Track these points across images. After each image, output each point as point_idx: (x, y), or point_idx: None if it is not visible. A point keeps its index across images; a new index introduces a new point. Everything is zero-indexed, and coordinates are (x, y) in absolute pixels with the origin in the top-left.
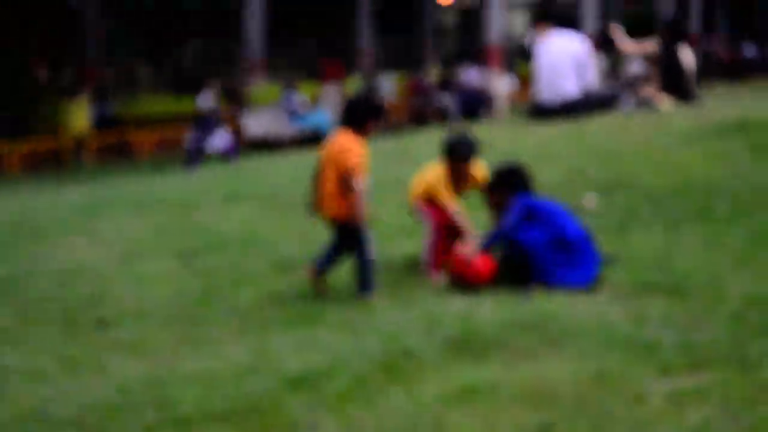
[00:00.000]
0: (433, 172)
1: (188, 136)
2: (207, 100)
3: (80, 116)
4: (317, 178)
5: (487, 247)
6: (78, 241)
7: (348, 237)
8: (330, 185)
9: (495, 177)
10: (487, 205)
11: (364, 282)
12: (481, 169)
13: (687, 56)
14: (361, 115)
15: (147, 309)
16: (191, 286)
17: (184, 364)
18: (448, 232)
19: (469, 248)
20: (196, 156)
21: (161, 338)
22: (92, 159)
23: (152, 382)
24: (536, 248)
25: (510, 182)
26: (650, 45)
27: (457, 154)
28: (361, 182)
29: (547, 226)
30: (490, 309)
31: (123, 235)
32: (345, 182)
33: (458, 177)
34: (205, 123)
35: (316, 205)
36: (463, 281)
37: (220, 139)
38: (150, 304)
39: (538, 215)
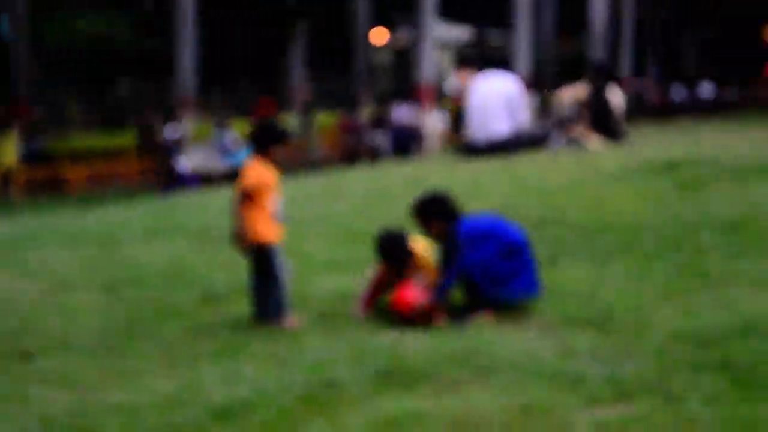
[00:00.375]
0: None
1: (162, 163)
2: (173, 130)
3: (9, 151)
4: (233, 209)
5: (442, 299)
6: (3, 273)
7: (259, 260)
8: (237, 211)
9: (423, 211)
10: (428, 236)
11: (276, 307)
12: (420, 246)
13: (616, 97)
14: (264, 141)
15: (72, 340)
16: (118, 318)
17: (109, 396)
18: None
19: (424, 300)
20: (172, 181)
21: (86, 370)
22: (21, 193)
23: (76, 413)
24: (488, 266)
25: (440, 212)
26: (581, 89)
27: (391, 258)
28: (268, 203)
29: (492, 238)
30: (418, 341)
31: (49, 267)
32: (242, 202)
33: (398, 273)
34: (170, 152)
35: (234, 236)
36: (403, 318)
37: (183, 168)
38: (75, 335)
39: (479, 234)
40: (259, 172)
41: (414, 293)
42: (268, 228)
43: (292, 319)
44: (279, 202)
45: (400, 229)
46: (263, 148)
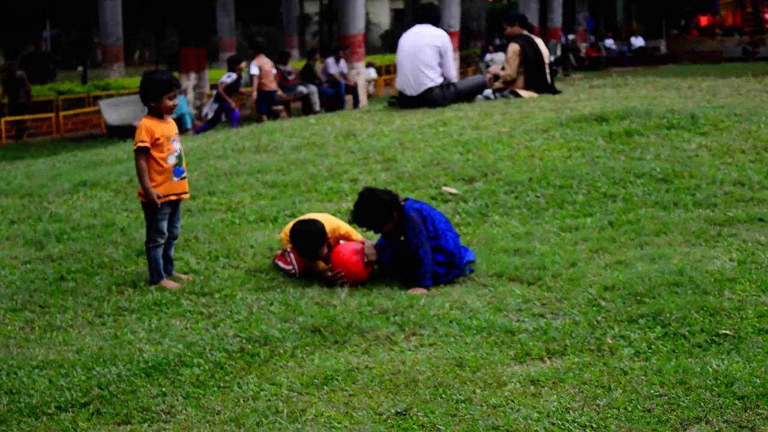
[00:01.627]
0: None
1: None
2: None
3: None
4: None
5: (430, 281)
6: None
7: (146, 216)
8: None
9: (372, 220)
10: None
11: (150, 269)
12: (337, 225)
13: (542, 49)
14: (153, 93)
15: None
16: (43, 273)
17: (35, 352)
18: None
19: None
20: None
21: (11, 325)
22: None
23: (1, 369)
24: (450, 235)
25: (385, 212)
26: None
27: (304, 253)
28: (162, 158)
29: (431, 214)
30: (348, 296)
31: None
32: (136, 158)
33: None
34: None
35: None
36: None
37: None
38: None
39: (424, 210)
40: (149, 126)
41: (348, 254)
42: (158, 183)
43: (168, 282)
44: (174, 156)
45: (313, 223)
46: (154, 99)
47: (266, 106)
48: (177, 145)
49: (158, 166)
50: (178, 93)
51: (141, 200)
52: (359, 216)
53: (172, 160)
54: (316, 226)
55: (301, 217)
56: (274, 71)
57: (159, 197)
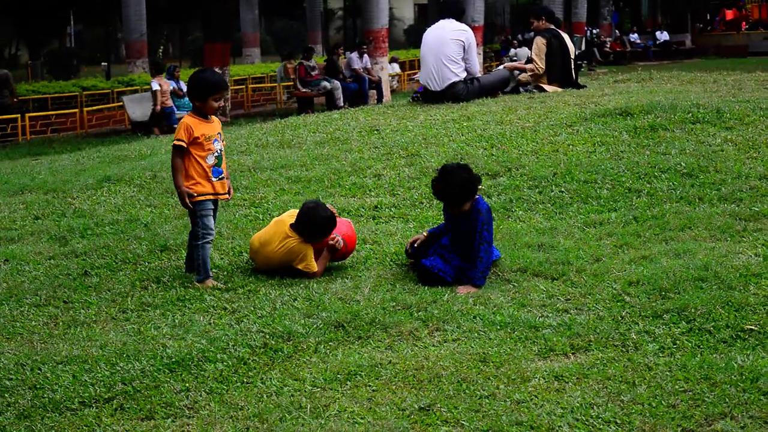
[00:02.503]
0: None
1: None
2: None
3: None
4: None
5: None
6: None
7: (191, 215)
8: (172, 166)
9: (456, 185)
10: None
11: (197, 267)
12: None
13: (568, 44)
14: (199, 92)
15: (21, 291)
16: (66, 269)
17: (59, 347)
18: None
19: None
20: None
21: (35, 321)
22: None
23: (25, 365)
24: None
25: (472, 185)
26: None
27: (312, 235)
28: (201, 158)
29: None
30: (372, 291)
31: None
32: (174, 157)
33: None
34: None
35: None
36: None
37: None
38: (24, 286)
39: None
40: (189, 124)
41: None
42: (195, 182)
43: (212, 282)
44: (214, 156)
45: (324, 209)
46: (199, 99)
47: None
48: (218, 146)
49: (197, 164)
50: (225, 95)
51: (182, 201)
52: (447, 183)
53: (211, 160)
54: (326, 211)
55: (290, 212)
56: (171, 88)
57: (191, 196)
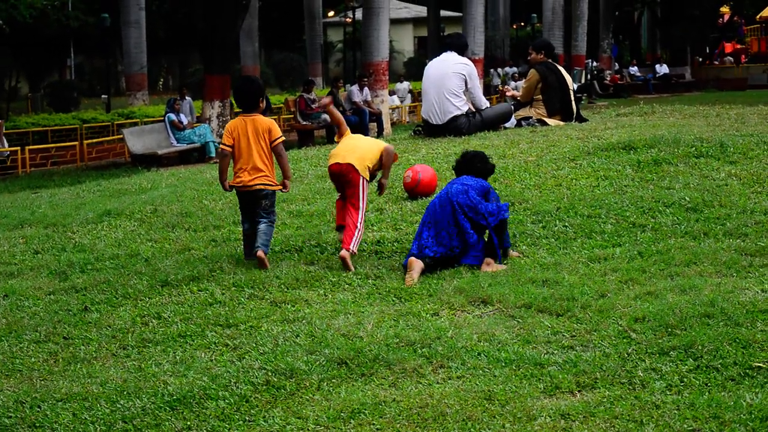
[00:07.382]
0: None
1: None
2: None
3: None
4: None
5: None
6: None
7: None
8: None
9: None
10: None
11: (268, 243)
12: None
13: (566, 77)
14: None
15: (20, 327)
16: (66, 304)
17: (59, 384)
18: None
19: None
20: None
21: (35, 357)
22: None
23: (25, 402)
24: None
25: (485, 170)
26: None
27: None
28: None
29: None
30: (375, 327)
31: None
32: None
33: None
34: None
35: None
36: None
37: None
38: (23, 321)
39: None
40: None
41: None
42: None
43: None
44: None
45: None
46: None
47: None
48: None
49: None
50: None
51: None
52: (468, 163)
53: None
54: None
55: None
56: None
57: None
